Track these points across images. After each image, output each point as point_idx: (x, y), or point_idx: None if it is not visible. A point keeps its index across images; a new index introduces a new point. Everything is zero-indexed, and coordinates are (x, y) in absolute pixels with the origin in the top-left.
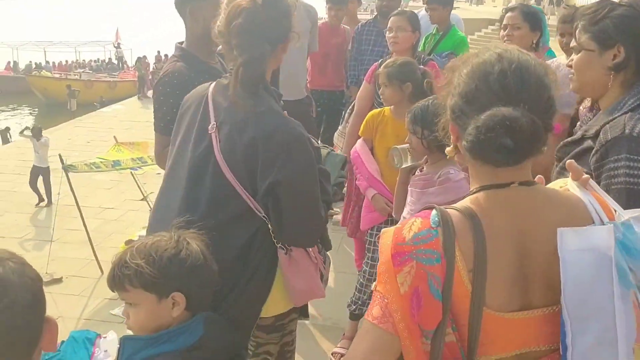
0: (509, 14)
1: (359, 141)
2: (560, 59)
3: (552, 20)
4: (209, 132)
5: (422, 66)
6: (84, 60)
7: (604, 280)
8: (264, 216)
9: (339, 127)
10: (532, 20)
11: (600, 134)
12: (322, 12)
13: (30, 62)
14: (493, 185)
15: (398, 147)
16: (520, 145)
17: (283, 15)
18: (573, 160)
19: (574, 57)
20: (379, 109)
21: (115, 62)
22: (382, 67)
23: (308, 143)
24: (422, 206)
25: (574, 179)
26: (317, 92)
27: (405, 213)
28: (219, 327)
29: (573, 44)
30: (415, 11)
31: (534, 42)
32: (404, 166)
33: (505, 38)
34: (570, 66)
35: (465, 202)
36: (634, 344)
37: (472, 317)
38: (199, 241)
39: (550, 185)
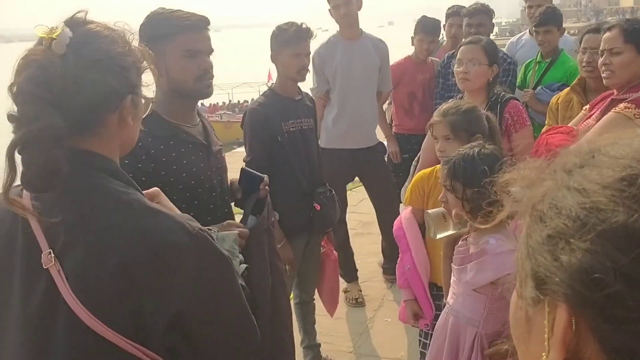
0: (606, 35)
1: (406, 211)
2: None
3: None
4: (44, 266)
5: (487, 111)
6: (237, 101)
7: None
8: None
9: (405, 184)
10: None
11: None
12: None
13: None
14: None
15: (430, 211)
16: None
17: (104, 70)
18: None
19: None
20: (431, 169)
21: None
22: (437, 114)
23: (206, 239)
24: (463, 289)
25: None
26: (404, 136)
27: (448, 298)
28: None
29: None
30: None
31: None
32: (440, 236)
33: (603, 68)
34: None
35: None
36: None
37: None
38: None
39: None
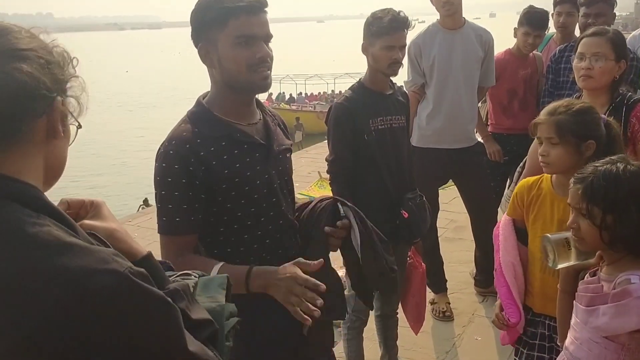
0: None
1: (504, 219)
2: None
3: None
4: None
5: (611, 114)
6: (340, 91)
7: None
8: None
9: (506, 191)
10: None
11: None
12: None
13: (283, 93)
14: None
15: (551, 236)
16: None
17: (19, 59)
18: None
19: None
20: (536, 178)
21: None
22: (544, 112)
23: (138, 279)
24: (589, 334)
25: None
26: (502, 136)
27: (567, 342)
28: None
29: None
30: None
31: None
32: (561, 266)
33: None
34: None
35: None
36: None
37: None
38: None
39: None
